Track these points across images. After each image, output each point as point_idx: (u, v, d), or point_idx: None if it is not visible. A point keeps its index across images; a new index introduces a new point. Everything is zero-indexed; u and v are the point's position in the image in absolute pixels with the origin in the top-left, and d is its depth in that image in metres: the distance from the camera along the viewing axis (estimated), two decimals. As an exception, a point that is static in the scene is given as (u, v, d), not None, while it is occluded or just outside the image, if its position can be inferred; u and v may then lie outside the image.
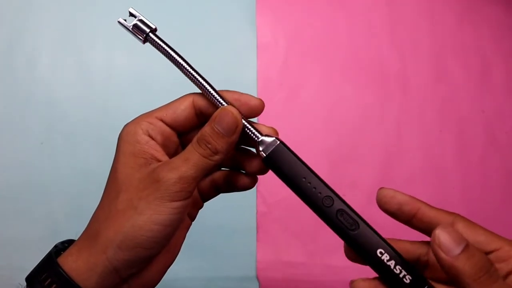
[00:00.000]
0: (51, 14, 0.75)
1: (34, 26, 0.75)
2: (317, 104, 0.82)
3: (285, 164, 0.33)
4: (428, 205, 0.33)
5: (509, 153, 0.86)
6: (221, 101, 0.34)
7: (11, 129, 0.72)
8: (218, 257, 0.75)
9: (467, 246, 0.26)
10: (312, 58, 0.83)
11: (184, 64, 0.35)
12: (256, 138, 0.34)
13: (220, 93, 0.35)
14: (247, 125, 0.34)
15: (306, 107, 0.81)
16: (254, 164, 0.36)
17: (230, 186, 0.38)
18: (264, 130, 0.35)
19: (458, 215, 0.32)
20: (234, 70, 0.79)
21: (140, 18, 0.35)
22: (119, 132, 0.36)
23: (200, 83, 0.35)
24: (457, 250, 0.26)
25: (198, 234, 0.76)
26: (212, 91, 0.34)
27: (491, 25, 0.89)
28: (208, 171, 0.32)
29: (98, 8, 0.77)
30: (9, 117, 0.73)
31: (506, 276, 0.29)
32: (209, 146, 0.31)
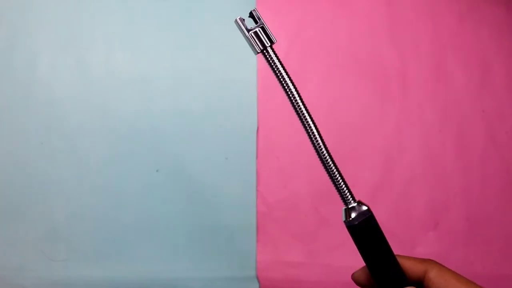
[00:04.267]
0: (51, 14, 0.75)
1: (34, 26, 0.75)
2: (317, 104, 0.81)
3: (369, 239, 0.31)
4: (401, 256, 0.33)
5: (509, 153, 0.86)
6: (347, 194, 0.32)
7: (11, 129, 0.72)
8: (218, 257, 0.75)
9: None
10: (312, 58, 0.82)
11: (294, 92, 0.31)
12: (347, 204, 0.32)
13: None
14: (342, 184, 0.32)
15: (306, 107, 0.81)
16: None
17: None
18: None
19: (431, 261, 0.32)
20: (234, 70, 0.79)
21: (262, 25, 0.31)
22: None
23: (312, 133, 0.32)
24: None
25: (198, 234, 0.76)
26: (333, 167, 0.32)
27: (491, 25, 0.89)
28: None
29: (98, 8, 0.77)
30: (9, 117, 0.73)
31: None
32: None
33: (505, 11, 0.90)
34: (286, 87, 0.31)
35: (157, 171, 0.74)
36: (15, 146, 0.72)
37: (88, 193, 0.73)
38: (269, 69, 0.31)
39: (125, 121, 0.74)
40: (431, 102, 0.85)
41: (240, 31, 0.31)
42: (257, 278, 0.74)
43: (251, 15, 0.32)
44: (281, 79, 0.31)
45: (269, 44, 0.31)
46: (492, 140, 0.85)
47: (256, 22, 0.31)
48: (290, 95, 0.31)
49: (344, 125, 0.82)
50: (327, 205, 0.76)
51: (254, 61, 0.80)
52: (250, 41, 0.31)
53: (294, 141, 0.77)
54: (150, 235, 0.74)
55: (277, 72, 0.31)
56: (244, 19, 0.31)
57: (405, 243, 0.79)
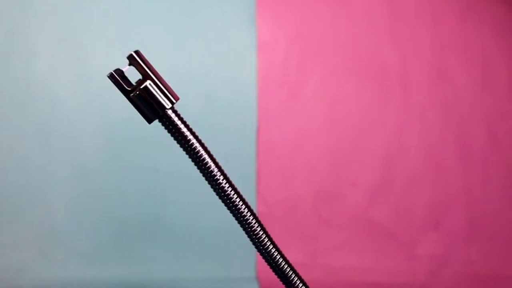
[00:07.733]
0: (50, 14, 0.75)
1: (33, 25, 0.75)
2: (317, 104, 0.81)
3: None
4: None
5: (510, 153, 0.86)
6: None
7: (11, 129, 0.72)
8: (218, 257, 0.75)
9: None
10: (312, 57, 0.82)
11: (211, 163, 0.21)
12: None
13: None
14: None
15: (306, 107, 0.81)
16: None
17: None
18: None
19: None
20: (234, 70, 0.79)
21: (151, 77, 0.19)
22: None
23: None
24: None
25: (198, 235, 0.76)
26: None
27: (493, 25, 0.89)
28: None
29: (98, 7, 0.77)
30: (9, 117, 0.72)
31: None
32: None
33: (506, 11, 0.90)
34: (196, 156, 0.21)
35: (157, 171, 0.74)
36: (15, 146, 0.72)
37: (88, 193, 0.73)
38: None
39: (125, 121, 0.74)
40: (432, 102, 0.85)
41: (119, 90, 0.19)
42: (257, 278, 0.74)
43: (131, 60, 0.19)
44: (189, 148, 0.22)
45: (169, 105, 0.20)
46: (493, 140, 0.85)
47: (141, 72, 0.19)
48: (204, 167, 0.21)
49: (345, 125, 0.81)
50: (327, 205, 0.76)
51: (254, 61, 0.80)
52: (136, 107, 0.19)
53: (294, 141, 0.77)
54: (150, 235, 0.74)
55: (183, 140, 0.21)
56: (122, 71, 0.19)
57: (405, 243, 0.79)
